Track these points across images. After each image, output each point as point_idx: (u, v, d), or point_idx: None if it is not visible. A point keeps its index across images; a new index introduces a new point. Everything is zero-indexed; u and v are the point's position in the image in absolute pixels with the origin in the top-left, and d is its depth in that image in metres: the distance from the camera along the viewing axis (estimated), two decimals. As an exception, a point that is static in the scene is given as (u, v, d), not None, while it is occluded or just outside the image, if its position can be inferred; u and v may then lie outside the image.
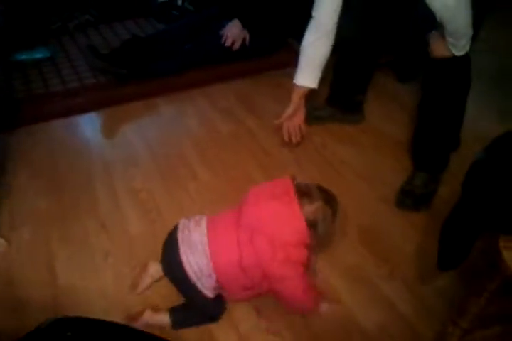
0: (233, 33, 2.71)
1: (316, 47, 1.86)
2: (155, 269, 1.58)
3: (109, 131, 2.39)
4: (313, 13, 1.81)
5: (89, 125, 2.45)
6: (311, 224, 1.33)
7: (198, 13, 3.03)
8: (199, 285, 1.38)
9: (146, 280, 1.59)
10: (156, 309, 1.49)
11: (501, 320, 1.27)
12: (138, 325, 1.44)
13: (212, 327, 1.48)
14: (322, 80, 2.02)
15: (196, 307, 1.47)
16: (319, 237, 1.38)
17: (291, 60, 2.11)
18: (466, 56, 1.68)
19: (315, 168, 2.09)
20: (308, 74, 1.91)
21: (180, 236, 1.42)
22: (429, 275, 1.60)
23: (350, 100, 2.32)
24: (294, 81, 1.94)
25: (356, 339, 1.45)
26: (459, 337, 1.26)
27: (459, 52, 1.64)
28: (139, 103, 2.55)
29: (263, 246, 1.31)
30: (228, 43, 2.71)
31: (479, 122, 2.30)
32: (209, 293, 1.41)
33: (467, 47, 1.64)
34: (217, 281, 1.39)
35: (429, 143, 1.91)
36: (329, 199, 1.40)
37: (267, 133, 2.27)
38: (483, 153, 1.16)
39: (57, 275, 1.65)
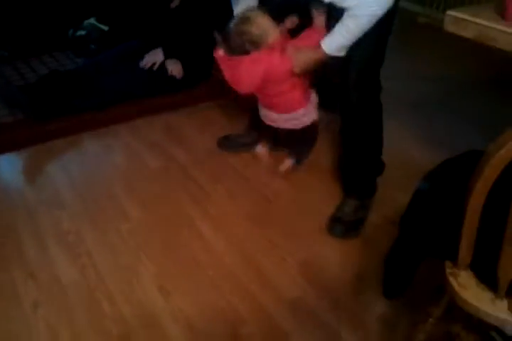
0: (152, 56, 2.73)
1: None
2: None
3: (32, 172, 2.29)
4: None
5: (9, 166, 2.34)
6: None
7: (118, 47, 2.99)
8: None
9: None
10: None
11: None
12: None
13: None
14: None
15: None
16: None
17: (215, 92, 2.11)
18: (374, 82, 1.74)
19: (248, 201, 2.07)
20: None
21: None
22: (370, 303, 1.62)
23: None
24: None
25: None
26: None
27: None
28: (61, 140, 2.47)
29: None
30: (144, 65, 2.72)
31: (401, 148, 2.39)
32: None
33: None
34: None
35: (354, 169, 1.95)
36: None
37: (197, 167, 2.25)
38: (423, 182, 1.21)
39: (-17, 332, 1.54)
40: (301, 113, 2.00)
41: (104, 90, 2.66)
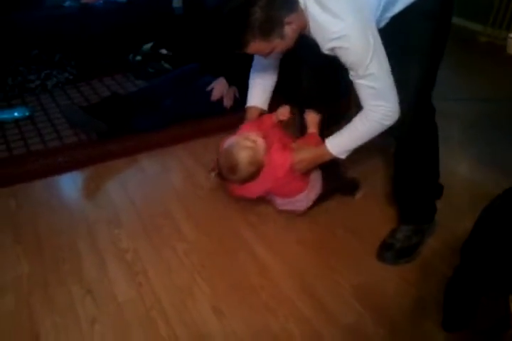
0: (219, 88, 2.77)
1: (261, 79, 2.02)
2: None
3: (92, 190, 2.36)
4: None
5: (71, 184, 2.41)
6: None
7: (177, 70, 3.08)
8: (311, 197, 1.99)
9: None
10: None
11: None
12: None
13: None
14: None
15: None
16: None
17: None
18: (427, 105, 1.70)
19: (304, 224, 2.05)
20: (258, 97, 2.04)
21: None
22: (429, 334, 1.57)
23: None
24: (247, 105, 2.07)
25: None
26: None
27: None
28: (121, 160, 2.53)
29: None
30: (214, 98, 2.77)
31: (464, 170, 2.34)
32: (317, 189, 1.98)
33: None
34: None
35: (409, 193, 1.89)
36: None
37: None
38: (485, 212, 1.17)
39: (42, 346, 1.58)
40: (301, 198, 1.98)
41: (162, 111, 2.73)
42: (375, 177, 2.32)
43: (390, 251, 1.86)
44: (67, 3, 3.55)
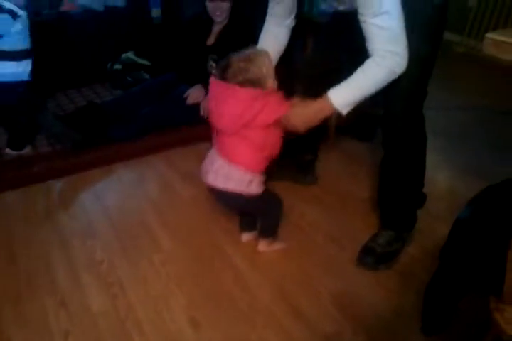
0: (195, 94, 2.75)
1: (271, 40, 1.88)
2: None
3: (67, 200, 2.31)
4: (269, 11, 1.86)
5: (45, 195, 2.35)
6: None
7: (154, 79, 3.07)
8: (247, 189, 1.70)
9: None
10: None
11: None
12: None
13: None
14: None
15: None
16: None
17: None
18: (419, 113, 1.70)
19: (283, 232, 2.01)
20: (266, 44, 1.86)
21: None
22: (409, 339, 1.55)
23: (299, 159, 2.32)
24: None
25: None
26: None
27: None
28: (96, 170, 2.50)
29: None
30: (189, 102, 2.76)
31: (441, 178, 2.35)
32: (258, 189, 1.71)
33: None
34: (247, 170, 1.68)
35: (393, 201, 1.89)
36: None
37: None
38: (464, 211, 1.17)
39: (13, 362, 1.53)
40: (240, 174, 1.69)
41: (138, 120, 2.70)
42: (356, 184, 2.32)
43: (371, 256, 1.86)
44: (45, 11, 3.51)
